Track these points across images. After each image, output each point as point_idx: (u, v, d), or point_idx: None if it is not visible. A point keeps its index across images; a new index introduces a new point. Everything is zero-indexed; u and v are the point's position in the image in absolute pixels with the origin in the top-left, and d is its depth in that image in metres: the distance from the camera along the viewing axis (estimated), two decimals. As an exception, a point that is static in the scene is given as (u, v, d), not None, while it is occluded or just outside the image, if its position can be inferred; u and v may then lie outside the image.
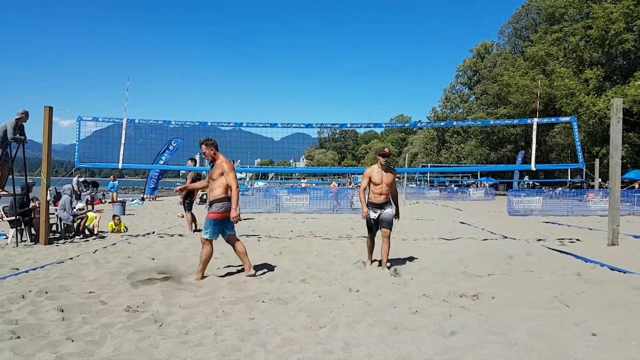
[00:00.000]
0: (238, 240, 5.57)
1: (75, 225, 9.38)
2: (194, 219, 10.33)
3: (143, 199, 25.27)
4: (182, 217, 13.83)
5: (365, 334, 3.46)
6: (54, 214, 9.26)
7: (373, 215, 6.00)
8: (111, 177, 23.25)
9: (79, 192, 16.24)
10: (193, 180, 10.30)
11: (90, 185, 20.15)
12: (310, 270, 5.97)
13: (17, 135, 8.13)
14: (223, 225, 5.38)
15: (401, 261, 6.56)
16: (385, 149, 6.45)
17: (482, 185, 36.95)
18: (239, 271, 5.82)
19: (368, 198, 6.03)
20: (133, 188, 45.98)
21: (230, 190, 5.30)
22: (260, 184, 38.74)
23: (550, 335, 3.42)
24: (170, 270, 5.33)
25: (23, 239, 8.23)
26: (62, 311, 3.93)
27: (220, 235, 5.42)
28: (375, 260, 6.24)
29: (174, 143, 25.70)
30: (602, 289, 4.79)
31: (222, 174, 5.33)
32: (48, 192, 8.38)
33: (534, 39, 40.61)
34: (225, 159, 5.48)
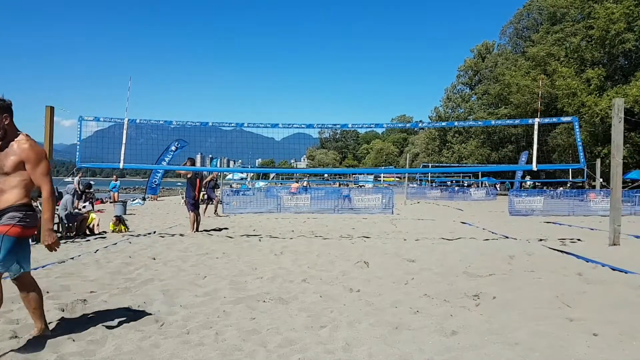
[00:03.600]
0: (36, 284, 3.29)
1: (75, 225, 9.40)
2: (197, 219, 10.37)
3: (144, 199, 25.30)
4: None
5: (366, 333, 3.46)
6: (56, 213, 9.28)
7: None
8: (114, 176, 23.30)
9: (80, 192, 16.25)
10: (192, 180, 10.34)
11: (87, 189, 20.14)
12: (311, 270, 5.97)
13: None
14: (22, 251, 3.08)
15: (404, 261, 6.56)
16: None
17: (484, 185, 36.93)
18: (240, 271, 5.83)
19: None
20: (134, 188, 46.03)
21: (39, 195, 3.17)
22: (261, 184, 38.74)
23: (551, 335, 3.42)
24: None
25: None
26: (63, 310, 3.94)
27: (8, 269, 3.02)
28: None
29: (177, 144, 25.72)
30: (604, 289, 4.78)
31: (21, 163, 3.05)
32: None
33: (535, 39, 40.56)
34: (32, 141, 3.14)
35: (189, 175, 10.44)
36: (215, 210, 15.40)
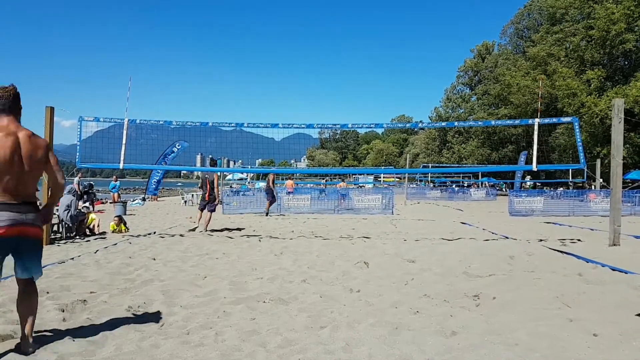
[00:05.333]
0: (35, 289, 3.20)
1: (75, 225, 9.39)
2: (207, 217, 10.55)
3: (144, 199, 25.31)
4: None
5: (366, 334, 3.46)
6: (55, 214, 9.28)
7: None
8: (113, 177, 23.30)
9: (80, 192, 16.25)
10: (203, 181, 10.55)
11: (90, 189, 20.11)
12: (311, 270, 5.97)
13: None
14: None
15: (404, 262, 6.57)
16: None
17: (484, 185, 36.93)
18: (240, 272, 5.83)
19: None
20: (134, 188, 46.01)
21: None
22: (261, 184, 38.73)
23: (551, 335, 3.41)
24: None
25: (24, 239, 8.23)
26: (63, 311, 3.93)
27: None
28: None
29: (178, 145, 25.73)
30: (603, 290, 4.78)
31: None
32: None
33: (535, 39, 40.57)
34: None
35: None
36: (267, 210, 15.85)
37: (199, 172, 11.17)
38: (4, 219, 2.88)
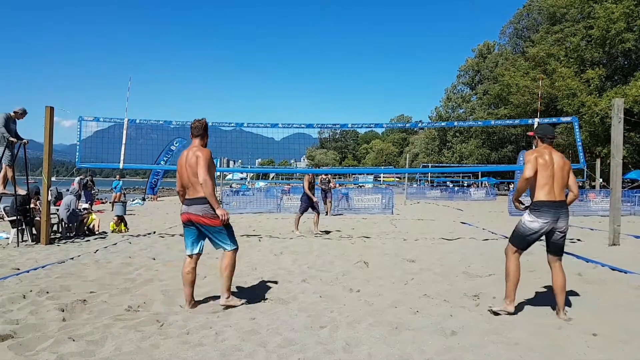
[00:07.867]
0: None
1: (75, 225, 9.39)
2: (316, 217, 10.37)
3: (144, 199, 25.30)
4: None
5: (366, 334, 3.46)
6: (55, 213, 9.27)
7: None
8: (117, 176, 23.22)
9: (80, 192, 16.23)
10: (309, 184, 10.31)
11: (92, 185, 20.00)
12: (311, 270, 5.97)
13: (8, 135, 8.01)
14: None
15: (404, 262, 6.57)
16: None
17: (484, 185, 36.95)
18: (240, 271, 5.83)
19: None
20: (134, 188, 46.01)
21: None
22: (261, 184, 38.77)
23: (551, 335, 3.42)
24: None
25: (24, 238, 8.24)
26: (63, 311, 3.93)
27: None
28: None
29: (176, 143, 25.74)
30: (603, 289, 4.79)
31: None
32: (49, 192, 8.39)
33: (535, 39, 40.55)
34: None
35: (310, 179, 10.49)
36: (327, 212, 15.49)
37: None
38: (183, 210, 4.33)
